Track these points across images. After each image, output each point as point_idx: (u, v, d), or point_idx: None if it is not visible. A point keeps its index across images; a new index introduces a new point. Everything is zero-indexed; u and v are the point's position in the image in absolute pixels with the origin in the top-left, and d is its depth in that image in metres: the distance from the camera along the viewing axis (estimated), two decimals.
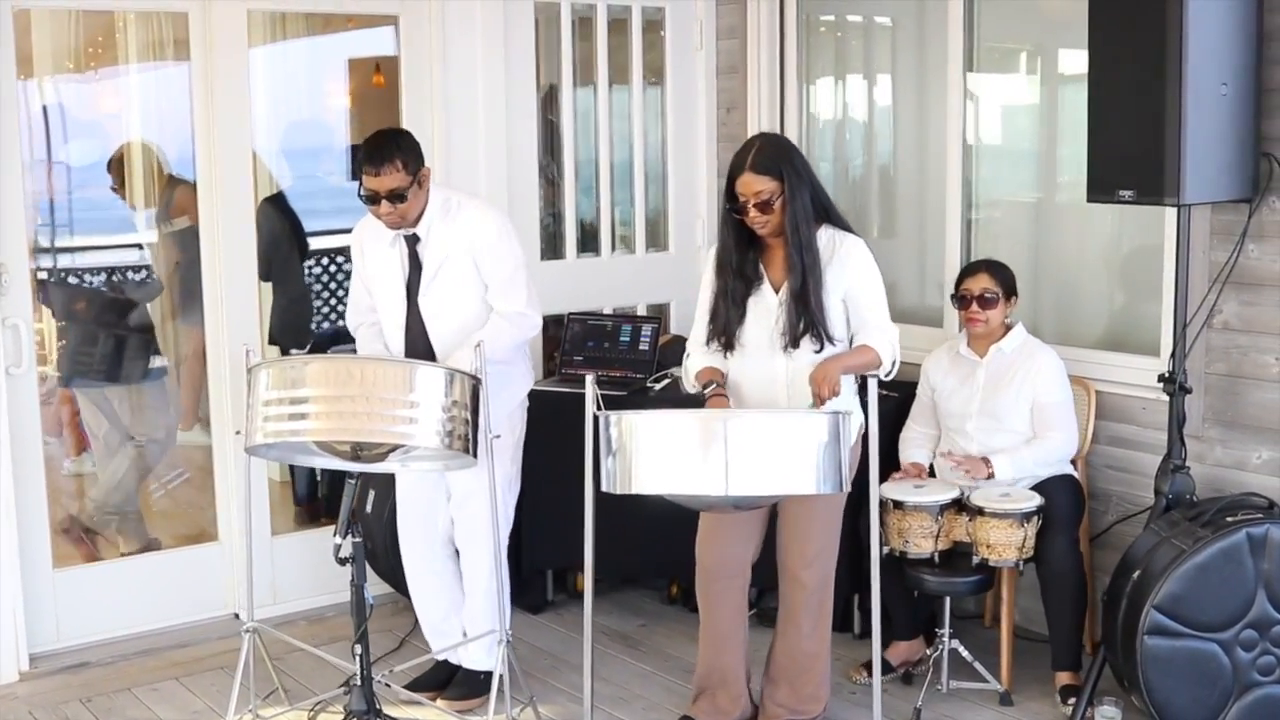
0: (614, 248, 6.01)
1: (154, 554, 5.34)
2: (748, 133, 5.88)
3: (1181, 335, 4.23)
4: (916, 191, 5.56)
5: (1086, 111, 4.20)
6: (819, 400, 3.79)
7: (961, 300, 4.54)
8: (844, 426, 3.61)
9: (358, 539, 3.96)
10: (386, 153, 4.14)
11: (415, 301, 4.30)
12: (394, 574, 5.16)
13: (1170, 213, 4.43)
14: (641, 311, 5.95)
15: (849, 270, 3.95)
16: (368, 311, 4.47)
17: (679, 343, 5.75)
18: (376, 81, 7.67)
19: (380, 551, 5.17)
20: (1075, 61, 5.05)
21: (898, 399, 4.75)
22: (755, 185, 3.87)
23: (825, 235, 3.95)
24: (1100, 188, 4.20)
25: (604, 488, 3.70)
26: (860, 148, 5.91)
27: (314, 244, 6.90)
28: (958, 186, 5.23)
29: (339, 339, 6.34)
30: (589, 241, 5.99)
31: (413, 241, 4.29)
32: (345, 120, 7.61)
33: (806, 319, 3.91)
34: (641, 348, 5.40)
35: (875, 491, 3.89)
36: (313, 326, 6.95)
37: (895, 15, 5.66)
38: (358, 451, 3.92)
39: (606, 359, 5.40)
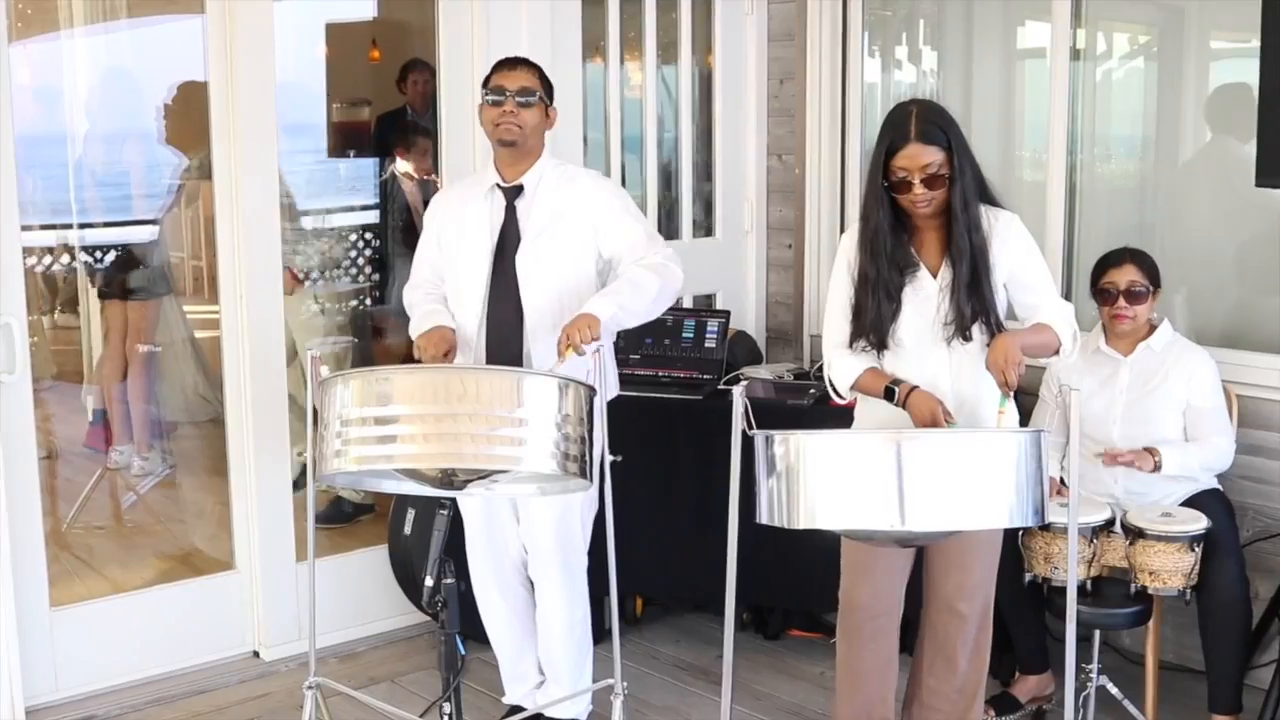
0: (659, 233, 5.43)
1: (163, 586, 4.65)
2: (806, 107, 5.37)
3: None
4: (1005, 176, 5.05)
5: (1258, 87, 3.75)
6: (1006, 387, 3.26)
7: (1104, 295, 4.05)
8: (1045, 445, 3.09)
9: (450, 579, 3.39)
10: (525, 61, 3.79)
11: (511, 261, 3.73)
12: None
13: None
14: (687, 303, 5.41)
15: (1009, 248, 3.43)
16: (433, 284, 3.91)
17: (745, 339, 5.24)
18: (373, 57, 7.06)
19: (422, 579, 4.57)
20: (1211, 32, 4.62)
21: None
22: (923, 157, 3.32)
23: (981, 212, 3.44)
24: (1274, 171, 3.74)
25: (764, 519, 3.14)
26: None
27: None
28: (1061, 174, 4.75)
29: None
30: None
31: (513, 194, 3.75)
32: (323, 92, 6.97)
33: (976, 305, 3.38)
34: (708, 345, 4.86)
35: (1075, 512, 3.32)
36: None
37: None
38: (451, 477, 3.34)
39: (669, 357, 4.86)
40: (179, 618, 4.48)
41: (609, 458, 3.50)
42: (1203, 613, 3.87)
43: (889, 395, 3.38)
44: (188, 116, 5.69)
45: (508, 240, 3.74)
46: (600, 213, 3.75)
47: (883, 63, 5.47)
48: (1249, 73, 4.64)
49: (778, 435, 3.09)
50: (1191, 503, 3.97)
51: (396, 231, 6.53)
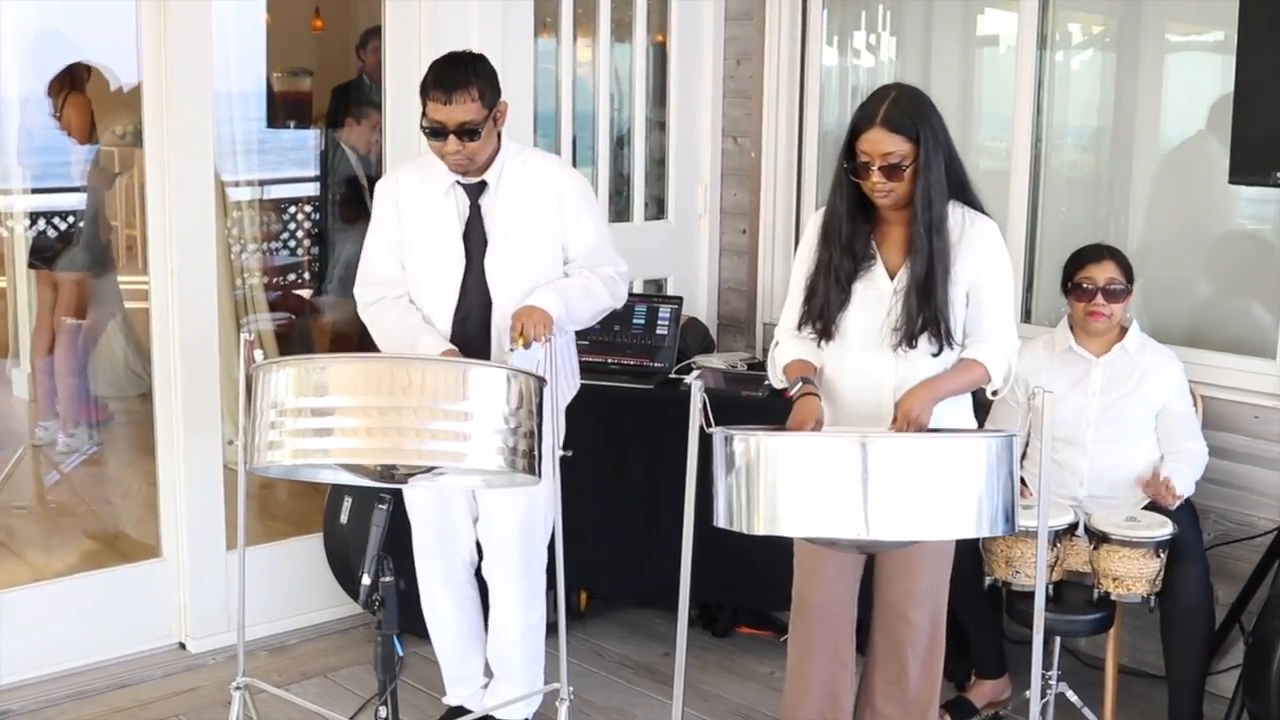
0: (609, 215, 5.24)
1: (86, 574, 4.42)
2: (763, 88, 5.21)
3: None
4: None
5: (1235, 80, 3.65)
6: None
7: (1081, 291, 3.92)
8: (1015, 451, 2.96)
9: (388, 577, 3.22)
10: (461, 77, 3.42)
11: (480, 264, 3.55)
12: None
13: None
14: (638, 288, 5.25)
15: (978, 256, 3.27)
16: (390, 284, 3.65)
17: (697, 327, 5.09)
18: (315, 26, 6.86)
19: (359, 569, 4.40)
20: (1169, 25, 4.52)
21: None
22: (885, 144, 3.16)
23: (955, 214, 3.27)
24: (1249, 169, 3.65)
25: (722, 523, 2.98)
26: None
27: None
28: (1025, 164, 4.62)
29: None
30: None
31: (476, 192, 3.55)
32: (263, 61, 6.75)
33: (928, 313, 3.22)
34: (660, 332, 4.71)
35: (1045, 518, 3.19)
36: None
37: None
38: (392, 470, 3.18)
39: (618, 344, 4.70)
40: (102, 607, 4.27)
41: (559, 452, 3.36)
42: (1165, 619, 3.76)
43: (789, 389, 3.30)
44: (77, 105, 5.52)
45: (474, 241, 3.57)
46: (568, 210, 3.60)
47: (840, 47, 5.33)
48: (1206, 66, 4.59)
49: (738, 434, 2.94)
50: (1155, 506, 3.86)
51: (337, 206, 6.34)
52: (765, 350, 5.23)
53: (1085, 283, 3.90)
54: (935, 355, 3.26)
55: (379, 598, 3.21)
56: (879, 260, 3.31)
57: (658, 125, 5.34)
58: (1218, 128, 4.30)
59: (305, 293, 6.64)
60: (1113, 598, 3.70)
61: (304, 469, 3.28)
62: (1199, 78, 4.59)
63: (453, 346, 3.51)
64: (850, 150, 3.21)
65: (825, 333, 3.33)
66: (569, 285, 3.58)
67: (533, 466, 3.15)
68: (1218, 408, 4.12)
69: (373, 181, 5.92)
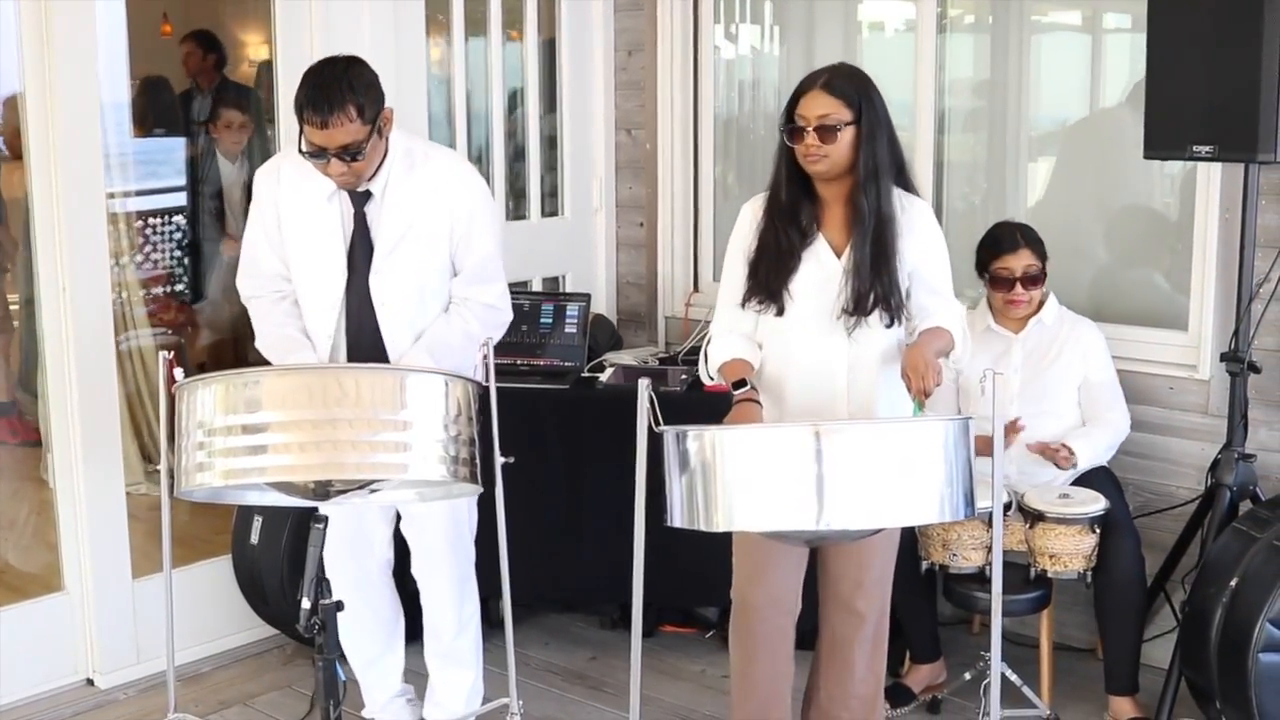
0: (505, 213, 5.13)
1: None
2: (657, 79, 5.15)
3: (1247, 309, 3.76)
4: None
5: (1146, 56, 3.69)
6: (921, 395, 3.08)
7: (999, 282, 3.92)
8: (971, 434, 2.93)
9: (328, 599, 3.07)
10: (335, 95, 3.18)
11: (364, 280, 3.39)
12: (283, 617, 4.27)
13: (1205, 172, 4.00)
14: (536, 286, 5.15)
15: (917, 237, 3.24)
16: (268, 279, 3.49)
17: (604, 324, 5.02)
18: (164, 31, 6.62)
19: (272, 591, 4.24)
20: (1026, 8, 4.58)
21: None
22: (821, 106, 3.11)
23: (893, 192, 3.26)
24: (1164, 143, 3.69)
25: (678, 522, 2.91)
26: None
27: None
28: (929, 147, 4.63)
29: None
30: None
31: (361, 200, 3.38)
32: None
33: (880, 288, 3.18)
34: (568, 330, 4.61)
35: (999, 500, 3.13)
36: None
37: None
38: (326, 487, 3.04)
39: (527, 344, 4.60)
40: (1, 646, 4.03)
41: (500, 459, 3.25)
42: (1099, 593, 3.80)
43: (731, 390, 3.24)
44: None
45: (359, 253, 3.39)
46: (459, 222, 3.42)
47: (724, 32, 5.29)
48: (1069, 47, 4.66)
49: (690, 431, 2.87)
50: (1081, 481, 3.89)
51: (207, 215, 6.14)
52: (668, 344, 5.20)
53: (1003, 273, 3.91)
54: (888, 328, 3.21)
55: (319, 621, 3.07)
56: (822, 239, 3.25)
57: (551, 121, 5.24)
58: (1122, 103, 4.40)
59: (178, 304, 6.42)
60: (1050, 575, 3.73)
61: (232, 490, 3.14)
62: (1074, 57, 4.67)
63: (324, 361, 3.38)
64: (790, 116, 3.17)
65: (775, 300, 3.24)
66: (448, 338, 3.43)
67: (474, 475, 3.05)
68: (1133, 380, 4.16)
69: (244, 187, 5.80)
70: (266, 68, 6.41)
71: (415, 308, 3.42)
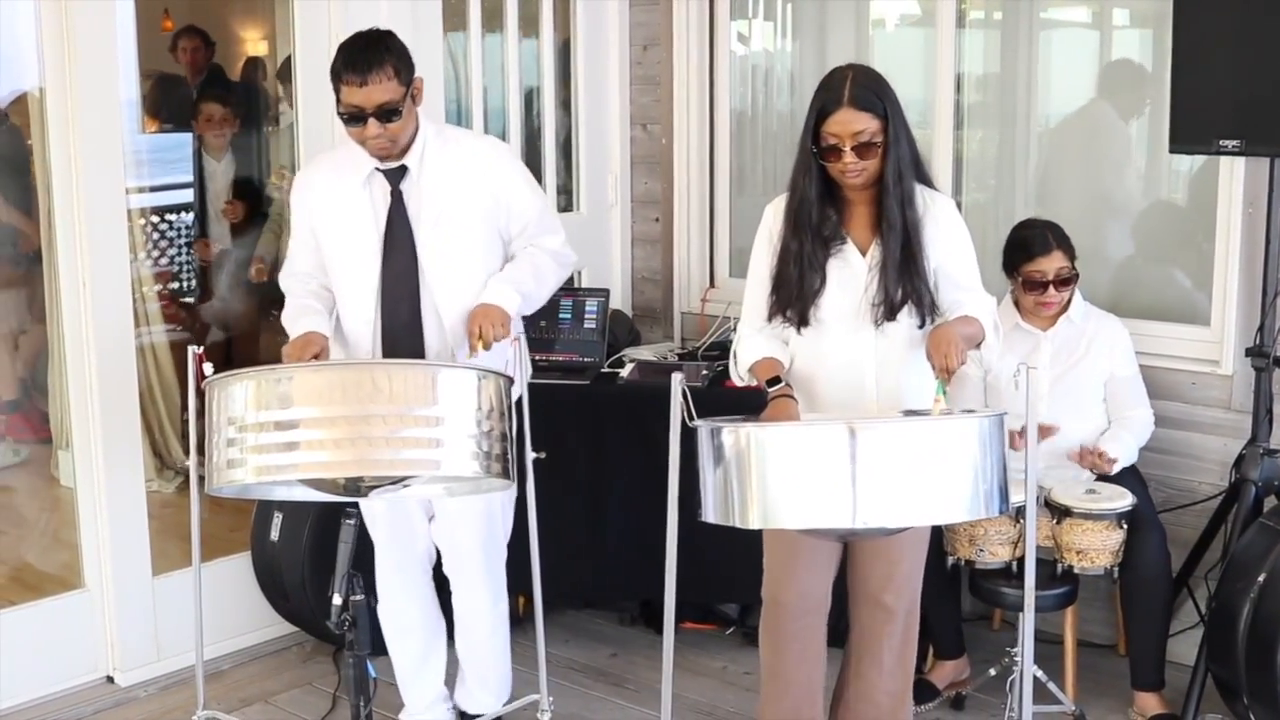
0: None
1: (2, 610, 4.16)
2: (673, 74, 5.14)
3: (1272, 304, 3.76)
4: None
5: (1171, 51, 3.68)
6: (945, 373, 3.05)
7: (1031, 285, 3.90)
8: (1004, 430, 2.93)
9: (359, 595, 3.07)
10: (375, 55, 3.24)
11: (406, 257, 3.38)
12: (303, 614, 4.26)
13: (1229, 167, 4.00)
14: None
15: (942, 232, 3.24)
16: (305, 277, 3.52)
17: (622, 319, 5.00)
18: (165, 26, 6.59)
19: (293, 587, 4.23)
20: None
21: None
22: (856, 123, 3.10)
23: (916, 192, 3.26)
24: (1190, 137, 3.67)
25: (713, 518, 2.91)
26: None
27: None
28: (948, 144, 4.62)
29: None
30: None
31: (396, 178, 3.38)
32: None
33: (907, 285, 3.18)
34: (588, 325, 4.60)
35: (1032, 496, 3.15)
36: None
37: None
38: (357, 482, 3.03)
39: (546, 340, 4.58)
40: (22, 644, 4.00)
41: (531, 455, 3.25)
42: (1126, 589, 3.79)
43: (765, 389, 3.22)
44: None
45: (397, 233, 3.38)
46: (501, 185, 3.44)
47: (738, 27, 5.28)
48: (1079, 44, 4.65)
49: (726, 426, 2.87)
50: (1105, 476, 3.88)
51: (215, 213, 6.10)
52: (685, 340, 5.19)
53: (1036, 276, 3.89)
54: (920, 328, 3.21)
55: (349, 617, 3.06)
56: (849, 240, 3.25)
57: (567, 116, 5.23)
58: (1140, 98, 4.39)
59: (189, 300, 6.40)
60: (1077, 571, 3.72)
61: (262, 487, 3.13)
62: (1084, 52, 4.66)
63: (323, 331, 3.37)
64: (816, 134, 3.15)
65: (802, 320, 3.25)
66: (519, 272, 3.45)
67: (506, 470, 3.05)
68: (1155, 376, 4.15)
69: (246, 183, 5.75)
70: (254, 64, 6.44)
71: (464, 284, 3.40)
